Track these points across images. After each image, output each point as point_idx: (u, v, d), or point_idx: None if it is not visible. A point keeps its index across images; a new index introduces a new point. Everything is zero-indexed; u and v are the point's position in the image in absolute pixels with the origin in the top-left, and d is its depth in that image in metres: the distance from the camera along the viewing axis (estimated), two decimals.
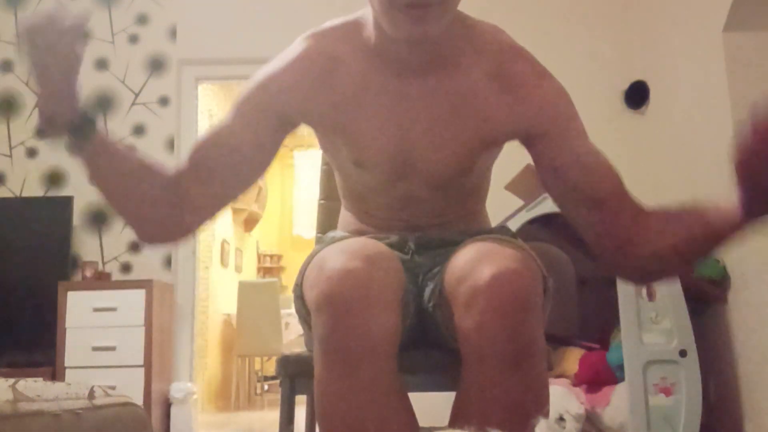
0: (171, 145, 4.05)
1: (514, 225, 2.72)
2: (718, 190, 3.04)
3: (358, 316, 0.90)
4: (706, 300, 3.05)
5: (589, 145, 1.13)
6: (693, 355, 2.71)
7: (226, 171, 1.12)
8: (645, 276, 1.16)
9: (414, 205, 1.23)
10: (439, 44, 1.11)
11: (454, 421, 0.95)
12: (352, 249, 0.96)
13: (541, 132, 1.13)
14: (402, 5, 1.03)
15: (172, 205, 1.10)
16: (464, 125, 1.14)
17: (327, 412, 0.93)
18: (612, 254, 1.10)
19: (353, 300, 0.90)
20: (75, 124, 1.01)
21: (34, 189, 4.01)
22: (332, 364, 0.92)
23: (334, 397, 0.92)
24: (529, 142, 1.16)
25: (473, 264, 0.97)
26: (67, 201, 3.82)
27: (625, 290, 2.76)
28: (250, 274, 7.55)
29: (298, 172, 8.09)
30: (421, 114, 1.14)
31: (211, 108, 5.51)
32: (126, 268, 3.93)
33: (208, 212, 1.15)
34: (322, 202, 1.68)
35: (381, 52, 1.13)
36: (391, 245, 1.22)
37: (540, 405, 0.93)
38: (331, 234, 1.30)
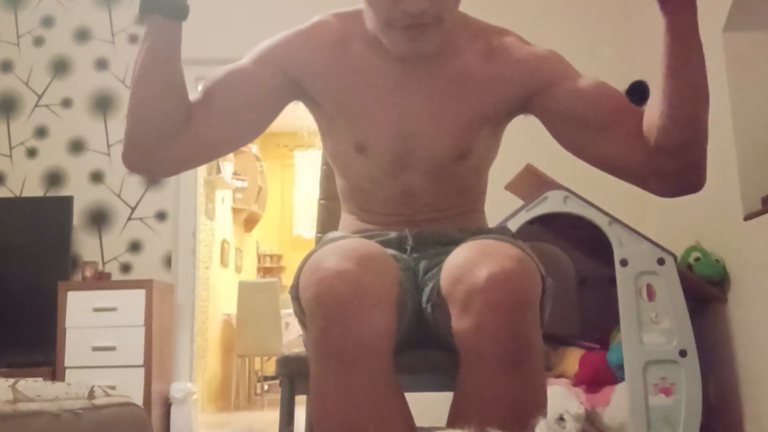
0: None
1: (514, 225, 2.72)
2: (718, 190, 3.04)
3: (352, 318, 0.89)
4: (706, 300, 3.05)
5: (586, 78, 1.16)
6: (693, 355, 2.71)
7: (231, 109, 1.14)
8: (694, 154, 1.13)
9: (413, 198, 1.24)
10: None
11: (452, 422, 0.95)
12: (345, 250, 0.96)
13: (537, 87, 1.16)
14: (400, 26, 1.06)
15: (175, 127, 1.11)
16: (462, 106, 1.18)
17: (323, 414, 0.93)
18: (655, 164, 1.09)
19: (346, 301, 0.90)
20: (175, 2, 1.05)
21: (34, 189, 4.01)
22: (327, 366, 0.91)
23: (330, 399, 0.92)
24: (530, 103, 1.19)
25: (470, 264, 0.96)
26: (67, 201, 3.82)
27: (625, 290, 2.76)
28: (250, 274, 7.55)
29: (298, 172, 8.08)
30: (421, 98, 1.18)
31: None
32: (126, 268, 3.93)
33: (201, 150, 1.16)
34: (322, 202, 1.68)
35: (382, 44, 1.17)
36: (389, 242, 1.22)
37: (539, 405, 0.92)
38: (330, 235, 1.30)
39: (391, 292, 0.95)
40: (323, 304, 0.91)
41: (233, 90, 1.15)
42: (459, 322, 0.94)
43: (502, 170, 1.78)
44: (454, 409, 0.97)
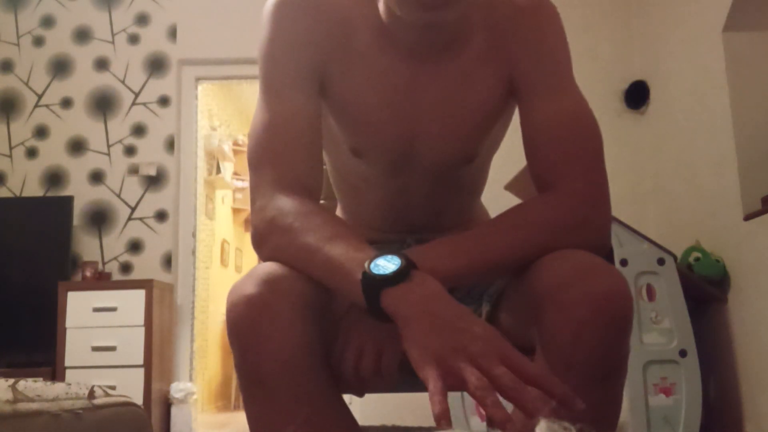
0: (171, 145, 4.05)
1: None
2: (718, 190, 3.04)
3: (265, 340, 0.87)
4: (706, 300, 3.05)
5: (552, 108, 1.04)
6: (693, 355, 2.71)
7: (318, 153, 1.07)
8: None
9: (410, 198, 1.19)
10: (453, 27, 1.05)
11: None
12: (255, 274, 0.93)
13: (519, 86, 1.07)
14: None
15: None
16: (473, 106, 1.08)
17: None
18: None
19: (256, 325, 0.88)
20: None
21: (34, 189, 4.01)
22: (252, 393, 0.90)
23: (263, 425, 0.90)
24: (516, 98, 1.08)
25: (581, 273, 0.89)
26: (67, 201, 3.83)
27: None
28: None
29: None
30: (429, 99, 1.08)
31: (211, 108, 5.51)
32: (126, 268, 3.93)
33: None
34: (322, 201, 1.68)
35: (392, 32, 1.05)
36: (390, 243, 1.21)
37: (616, 419, 0.92)
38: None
39: (301, 308, 0.91)
40: (235, 332, 0.89)
41: (316, 138, 1.05)
42: (557, 326, 0.88)
43: (502, 170, 1.78)
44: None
